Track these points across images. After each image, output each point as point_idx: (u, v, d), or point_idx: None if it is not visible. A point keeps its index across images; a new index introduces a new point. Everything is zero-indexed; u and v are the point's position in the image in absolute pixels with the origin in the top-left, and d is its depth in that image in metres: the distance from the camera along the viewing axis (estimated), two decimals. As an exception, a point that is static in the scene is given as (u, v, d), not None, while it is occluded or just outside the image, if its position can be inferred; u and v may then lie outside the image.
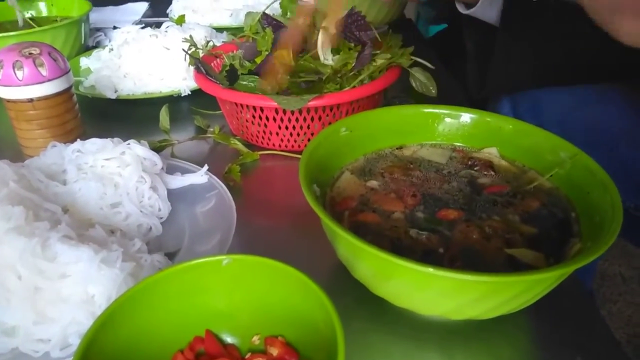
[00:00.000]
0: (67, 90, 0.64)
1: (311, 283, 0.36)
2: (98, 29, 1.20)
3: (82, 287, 0.40)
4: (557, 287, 0.40)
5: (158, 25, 0.94)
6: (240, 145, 0.70)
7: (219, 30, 1.08)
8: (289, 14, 0.83)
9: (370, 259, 0.39)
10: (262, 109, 0.67)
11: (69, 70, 0.65)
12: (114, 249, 0.43)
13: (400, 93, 0.83)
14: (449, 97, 0.88)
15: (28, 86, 0.61)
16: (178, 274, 0.38)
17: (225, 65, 0.75)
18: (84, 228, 0.47)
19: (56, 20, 1.01)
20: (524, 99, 0.76)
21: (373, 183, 0.52)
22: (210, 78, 0.69)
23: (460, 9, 0.65)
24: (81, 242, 0.42)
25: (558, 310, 0.46)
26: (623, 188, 0.68)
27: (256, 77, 0.67)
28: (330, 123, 0.68)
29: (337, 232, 0.39)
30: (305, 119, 0.67)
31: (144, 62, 0.84)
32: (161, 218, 0.55)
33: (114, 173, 0.53)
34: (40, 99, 0.62)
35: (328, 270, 0.52)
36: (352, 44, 0.76)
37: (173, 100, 0.86)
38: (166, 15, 1.26)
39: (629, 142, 0.64)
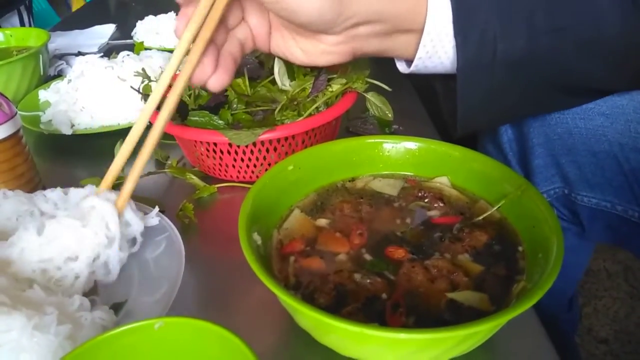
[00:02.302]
0: (13, 135, 0.63)
1: (243, 346, 0.35)
2: (62, 56, 1.19)
3: (14, 356, 0.39)
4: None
5: (119, 51, 0.93)
6: (196, 180, 0.69)
7: (182, 53, 1.07)
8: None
9: (305, 316, 0.38)
10: (215, 144, 0.66)
11: (15, 114, 0.64)
12: (49, 311, 0.42)
13: (361, 114, 0.82)
14: (411, 116, 0.88)
15: (-29, 136, 0.60)
16: (109, 341, 0.37)
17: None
18: (22, 287, 0.45)
19: (14, 53, 0.99)
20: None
21: (322, 221, 0.52)
22: (161, 113, 0.68)
23: (401, 68, 0.61)
24: (15, 307, 0.41)
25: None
26: (628, 196, 0.67)
27: (207, 112, 0.66)
28: (286, 153, 0.68)
29: (273, 289, 0.38)
30: (260, 151, 0.66)
31: (100, 94, 0.83)
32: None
33: (71, 228, 0.52)
34: (-16, 147, 0.61)
35: (281, 311, 0.51)
36: (308, 69, 0.75)
37: (133, 131, 0.85)
38: (132, 38, 1.25)
39: (634, 149, 0.63)
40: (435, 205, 0.52)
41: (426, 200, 0.53)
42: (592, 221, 0.72)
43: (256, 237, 0.45)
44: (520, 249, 0.46)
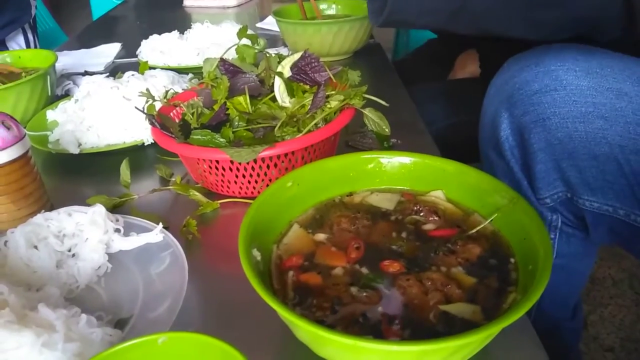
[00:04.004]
0: (23, 156, 0.65)
1: (242, 360, 0.36)
2: (69, 75, 1.22)
3: (23, 373, 0.41)
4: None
5: (125, 71, 0.95)
6: (199, 196, 0.71)
7: (185, 71, 1.10)
8: (246, 59, 0.84)
9: (303, 330, 0.40)
10: (217, 161, 0.68)
11: (24, 136, 0.66)
12: (57, 329, 0.44)
13: (360, 128, 0.84)
14: (409, 129, 0.89)
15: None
16: (114, 357, 0.38)
17: (184, 115, 0.76)
18: (30, 304, 0.47)
19: (22, 75, 1.02)
20: (523, 112, 0.71)
21: (320, 236, 0.53)
22: (164, 132, 0.70)
23: (373, 21, 0.62)
24: (24, 325, 0.43)
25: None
26: (630, 200, 0.67)
27: (209, 130, 0.68)
28: (287, 168, 0.69)
29: (271, 304, 0.40)
30: (261, 167, 0.68)
31: (106, 113, 0.85)
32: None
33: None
34: (-7, 169, 0.63)
35: (281, 324, 0.52)
36: (307, 86, 0.77)
37: (138, 149, 0.87)
38: (137, 56, 1.28)
39: (634, 152, 0.63)
40: (431, 218, 0.54)
41: (422, 214, 0.54)
42: (595, 226, 0.73)
43: (255, 252, 0.47)
44: (512, 260, 0.48)
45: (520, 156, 0.73)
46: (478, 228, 0.51)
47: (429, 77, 1.36)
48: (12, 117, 0.66)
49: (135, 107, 0.74)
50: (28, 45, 1.57)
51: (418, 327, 0.42)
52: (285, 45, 1.32)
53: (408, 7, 0.64)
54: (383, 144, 0.79)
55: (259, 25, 1.59)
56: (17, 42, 1.57)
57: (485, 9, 0.65)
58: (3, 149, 0.63)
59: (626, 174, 0.64)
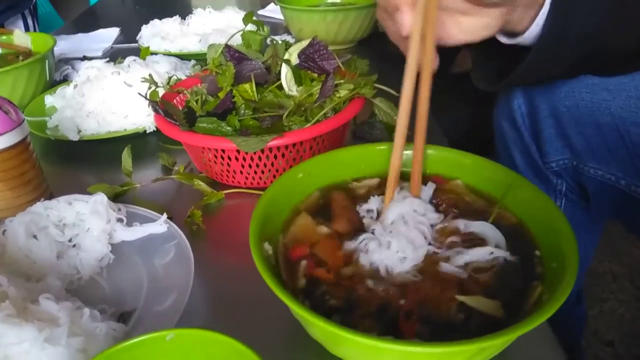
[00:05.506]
0: (21, 142, 0.63)
1: (255, 358, 0.35)
2: (67, 60, 1.19)
3: (25, 369, 0.39)
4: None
5: (125, 56, 0.92)
6: (204, 186, 0.69)
7: (187, 57, 1.07)
8: (252, 45, 0.82)
9: (319, 329, 0.38)
10: (223, 150, 0.65)
11: (23, 121, 0.64)
12: (61, 323, 0.42)
13: (369, 119, 0.82)
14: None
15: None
16: (120, 353, 0.37)
17: (188, 102, 0.74)
18: (31, 297, 0.45)
19: (20, 58, 0.99)
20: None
21: (331, 226, 0.51)
22: (168, 120, 0.67)
23: (504, 39, 0.59)
24: (25, 319, 0.41)
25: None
26: (631, 170, 0.70)
27: (215, 118, 0.66)
28: (294, 159, 0.67)
29: (287, 303, 0.38)
30: (268, 157, 0.66)
31: (106, 100, 0.83)
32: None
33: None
34: (-8, 154, 0.61)
35: (292, 320, 0.50)
36: (315, 74, 0.75)
37: (140, 137, 0.85)
38: (137, 42, 1.25)
39: (634, 123, 0.67)
40: (450, 208, 0.52)
41: (442, 207, 0.52)
42: (598, 196, 0.77)
43: (267, 247, 0.45)
44: (537, 253, 0.46)
45: (530, 124, 0.78)
46: (493, 215, 0.49)
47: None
48: (10, 102, 0.64)
49: (139, 93, 0.72)
50: (27, 30, 1.53)
51: (437, 322, 0.40)
52: (287, 34, 1.29)
53: (528, 79, 0.64)
54: (392, 134, 0.77)
55: (260, 12, 1.56)
56: (16, 27, 1.54)
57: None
58: (1, 134, 0.60)
59: (627, 144, 0.69)
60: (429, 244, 0.47)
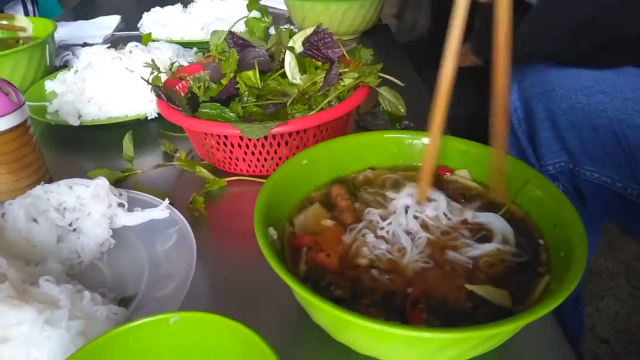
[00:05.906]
0: (22, 125, 0.62)
1: (261, 343, 0.34)
2: (68, 46, 1.17)
3: (24, 350, 0.38)
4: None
5: (125, 43, 0.91)
6: (206, 173, 0.68)
7: (189, 45, 1.06)
8: (255, 32, 0.81)
9: (325, 313, 0.37)
10: (226, 136, 0.65)
11: (23, 103, 0.63)
12: (61, 305, 0.41)
13: (372, 109, 0.81)
14: (420, 111, 0.86)
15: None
16: (123, 335, 0.36)
17: (190, 88, 0.73)
18: (30, 279, 0.45)
19: (20, 43, 0.98)
20: (532, 83, 0.76)
21: (337, 215, 0.51)
22: (171, 105, 0.67)
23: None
24: (25, 300, 0.40)
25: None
26: (627, 173, 0.70)
27: (218, 104, 0.65)
28: (297, 147, 0.67)
29: (293, 287, 0.37)
30: (271, 145, 0.65)
31: (108, 85, 0.82)
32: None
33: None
34: (-8, 135, 0.60)
35: (295, 306, 0.50)
36: (320, 62, 0.74)
37: (141, 123, 0.84)
38: (138, 29, 1.23)
39: (631, 126, 0.67)
40: (457, 199, 0.51)
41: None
42: (594, 199, 0.77)
43: (272, 231, 0.45)
44: (541, 242, 0.45)
45: (527, 127, 0.78)
46: (505, 209, 0.49)
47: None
48: (10, 83, 0.63)
49: (141, 77, 0.71)
50: (27, 16, 1.51)
51: (443, 310, 0.40)
52: (290, 24, 1.28)
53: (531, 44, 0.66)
54: (395, 125, 0.77)
55: (262, 2, 1.55)
56: (16, 12, 1.52)
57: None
58: (1, 116, 0.59)
59: (623, 147, 0.69)
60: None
